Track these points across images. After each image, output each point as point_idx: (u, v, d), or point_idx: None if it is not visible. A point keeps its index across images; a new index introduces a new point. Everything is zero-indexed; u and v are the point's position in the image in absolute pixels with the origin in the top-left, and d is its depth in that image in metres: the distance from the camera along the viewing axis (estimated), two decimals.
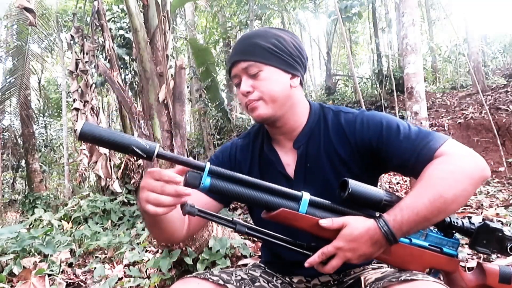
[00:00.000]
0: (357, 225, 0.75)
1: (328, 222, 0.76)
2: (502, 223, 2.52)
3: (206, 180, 0.72)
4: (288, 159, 0.98)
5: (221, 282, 0.84)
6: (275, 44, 0.90)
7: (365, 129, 0.90)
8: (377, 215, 0.78)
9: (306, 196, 0.77)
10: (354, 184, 0.77)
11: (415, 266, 0.78)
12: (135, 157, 6.06)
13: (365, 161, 0.92)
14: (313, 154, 0.95)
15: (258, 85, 0.90)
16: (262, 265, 1.07)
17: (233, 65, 0.93)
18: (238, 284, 0.87)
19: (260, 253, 2.56)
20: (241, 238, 2.47)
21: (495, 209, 3.11)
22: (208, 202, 0.95)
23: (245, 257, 2.25)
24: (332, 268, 0.76)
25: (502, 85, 8.19)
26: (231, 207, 4.40)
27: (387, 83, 8.41)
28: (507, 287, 0.82)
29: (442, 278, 0.87)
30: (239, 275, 0.92)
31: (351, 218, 0.77)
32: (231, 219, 0.76)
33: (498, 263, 0.83)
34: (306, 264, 0.77)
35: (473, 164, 0.77)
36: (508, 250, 0.80)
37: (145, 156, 0.68)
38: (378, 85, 8.70)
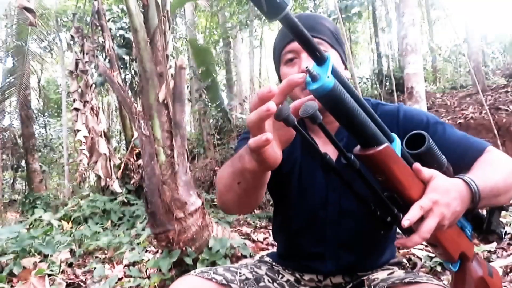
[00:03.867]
0: (444, 178, 0.66)
1: (419, 166, 0.65)
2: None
3: (329, 79, 0.50)
4: (327, 150, 0.95)
5: (224, 282, 0.81)
6: (337, 31, 0.87)
7: (409, 121, 0.88)
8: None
9: (398, 140, 0.65)
10: (430, 140, 0.67)
11: (454, 248, 0.71)
12: (134, 157, 6.06)
13: None
14: (354, 146, 0.92)
15: None
16: (269, 260, 1.04)
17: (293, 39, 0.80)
18: (241, 284, 0.85)
19: (260, 254, 2.55)
20: (241, 238, 2.47)
21: None
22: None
23: (245, 257, 2.25)
24: (429, 230, 0.60)
25: (502, 85, 8.18)
26: None
27: (387, 83, 8.40)
28: (491, 279, 0.79)
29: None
30: (244, 274, 0.89)
31: (436, 171, 0.67)
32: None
33: (499, 263, 0.82)
34: (405, 222, 0.59)
35: None
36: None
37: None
38: (378, 85, 8.70)
